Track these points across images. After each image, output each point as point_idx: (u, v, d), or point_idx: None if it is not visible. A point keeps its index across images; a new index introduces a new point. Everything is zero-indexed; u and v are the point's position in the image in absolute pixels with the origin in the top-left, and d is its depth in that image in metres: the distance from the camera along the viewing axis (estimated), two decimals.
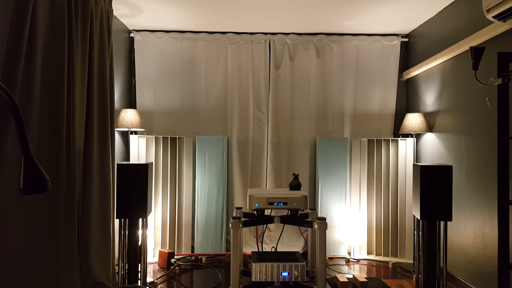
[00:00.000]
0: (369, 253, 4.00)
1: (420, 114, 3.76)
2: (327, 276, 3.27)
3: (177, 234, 3.96)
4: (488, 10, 2.43)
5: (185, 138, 4.02)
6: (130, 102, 4.25)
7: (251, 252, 3.21)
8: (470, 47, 2.42)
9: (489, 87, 2.70)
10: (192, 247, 4.02)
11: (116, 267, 2.96)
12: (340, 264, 3.82)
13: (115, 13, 3.61)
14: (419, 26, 4.01)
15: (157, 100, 4.24)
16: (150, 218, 3.80)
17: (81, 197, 2.59)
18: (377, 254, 3.96)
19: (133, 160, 3.92)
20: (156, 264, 3.72)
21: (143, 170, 2.81)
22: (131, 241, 2.86)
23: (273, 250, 3.80)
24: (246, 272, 3.11)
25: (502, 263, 2.18)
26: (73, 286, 2.30)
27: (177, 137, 4.04)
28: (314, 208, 3.09)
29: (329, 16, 3.72)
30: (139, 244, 2.88)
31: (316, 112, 4.27)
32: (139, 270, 2.89)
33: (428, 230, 2.71)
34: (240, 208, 3.11)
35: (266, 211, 3.13)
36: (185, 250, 3.96)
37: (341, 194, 4.05)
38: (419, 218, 2.67)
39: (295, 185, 3.14)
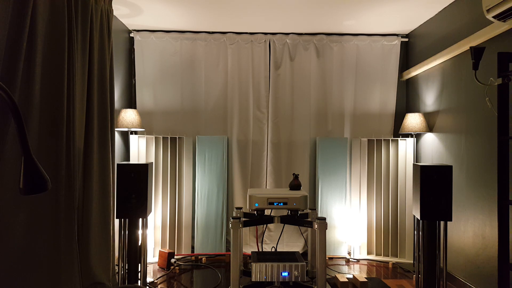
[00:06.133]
0: (369, 253, 4.00)
1: (420, 114, 3.76)
2: (327, 276, 3.27)
3: (177, 234, 3.96)
4: (488, 10, 2.43)
5: (185, 138, 4.02)
6: (130, 102, 4.25)
7: (251, 252, 3.21)
8: (470, 47, 2.42)
9: (489, 87, 2.70)
10: (192, 247, 4.02)
11: (116, 267, 2.96)
12: (340, 264, 3.82)
13: (115, 13, 3.61)
14: (419, 26, 4.01)
15: (157, 100, 4.24)
16: (150, 218, 3.80)
17: (81, 197, 2.59)
18: (377, 254, 3.96)
19: (133, 160, 3.92)
20: (156, 264, 3.72)
21: (143, 170, 2.81)
22: (131, 241, 2.86)
23: (273, 250, 3.80)
24: (246, 272, 3.11)
25: (502, 263, 2.18)
26: (73, 286, 2.30)
27: (177, 137, 4.04)
28: (314, 208, 3.09)
29: (329, 16, 3.72)
30: (139, 244, 2.88)
31: (316, 112, 4.27)
32: (139, 270, 2.89)
33: (428, 230, 2.71)
34: (240, 208, 3.11)
35: (266, 211, 3.13)
36: (185, 250, 3.96)
37: (341, 194, 4.05)
38: (419, 218, 2.67)
39: (295, 185, 3.14)
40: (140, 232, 2.88)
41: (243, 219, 2.93)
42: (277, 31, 4.21)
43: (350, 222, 4.07)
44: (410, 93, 4.25)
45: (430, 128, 3.72)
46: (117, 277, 2.94)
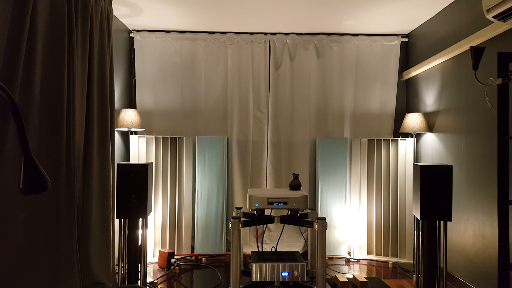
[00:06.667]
0: (369, 253, 4.00)
1: (420, 114, 3.76)
2: (327, 276, 3.27)
3: (177, 234, 3.96)
4: (488, 10, 2.43)
5: (185, 138, 4.02)
6: (130, 102, 4.25)
7: (251, 252, 3.21)
8: (470, 47, 2.42)
9: (489, 87, 2.70)
10: (192, 247, 4.02)
11: (116, 267, 2.96)
12: (340, 264, 3.82)
13: (115, 13, 3.61)
14: (419, 26, 4.01)
15: (157, 100, 4.24)
16: (150, 218, 3.80)
17: (81, 197, 2.59)
18: (377, 254, 3.96)
19: (133, 160, 3.92)
20: (156, 264, 3.72)
21: (143, 170, 2.81)
22: (131, 241, 2.86)
23: (273, 250, 3.80)
24: (246, 272, 3.11)
25: (502, 263, 2.18)
26: (73, 286, 2.30)
27: (177, 137, 4.04)
28: (314, 208, 3.09)
29: (329, 16, 3.72)
30: (139, 244, 2.88)
31: (316, 112, 4.27)
32: (139, 270, 2.89)
33: (428, 230, 2.71)
34: (240, 208, 3.11)
35: (266, 211, 3.13)
36: (185, 250, 3.96)
37: (341, 194, 4.05)
38: (419, 218, 2.67)
39: (295, 185, 3.14)
40: (140, 232, 2.88)
41: (243, 219, 2.93)
42: (277, 31, 4.21)
43: (350, 222, 4.07)
44: (410, 93, 4.25)
45: (430, 128, 3.72)
46: (117, 277, 2.94)
